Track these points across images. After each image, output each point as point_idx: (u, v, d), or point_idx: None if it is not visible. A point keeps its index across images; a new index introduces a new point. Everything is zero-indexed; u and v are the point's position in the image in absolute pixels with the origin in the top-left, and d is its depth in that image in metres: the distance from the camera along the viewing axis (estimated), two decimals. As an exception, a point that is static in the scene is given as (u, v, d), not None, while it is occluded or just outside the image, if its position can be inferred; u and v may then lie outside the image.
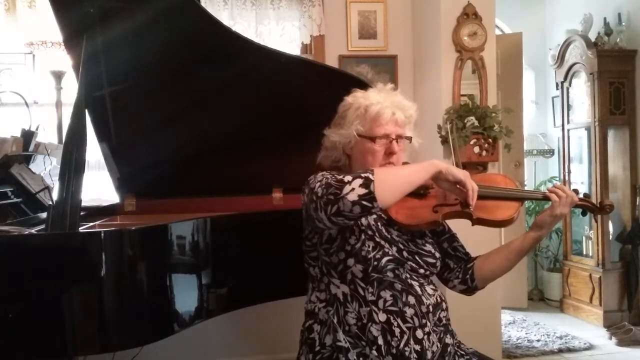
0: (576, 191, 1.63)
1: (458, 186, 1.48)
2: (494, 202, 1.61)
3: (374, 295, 1.49)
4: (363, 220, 1.52)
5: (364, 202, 1.35)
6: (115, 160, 2.16)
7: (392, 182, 1.40)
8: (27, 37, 2.96)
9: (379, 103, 1.57)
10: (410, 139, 1.62)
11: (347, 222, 1.42)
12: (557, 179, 4.75)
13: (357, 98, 1.61)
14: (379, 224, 1.56)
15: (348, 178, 1.38)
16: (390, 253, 1.51)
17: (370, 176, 1.36)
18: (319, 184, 1.43)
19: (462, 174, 1.48)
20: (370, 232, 1.52)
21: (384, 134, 1.56)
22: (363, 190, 1.34)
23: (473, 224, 1.60)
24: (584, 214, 1.70)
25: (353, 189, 1.35)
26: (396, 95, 1.61)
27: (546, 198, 1.61)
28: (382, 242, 1.52)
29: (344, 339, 1.48)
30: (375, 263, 1.48)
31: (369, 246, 1.50)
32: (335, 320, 1.50)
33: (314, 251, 1.56)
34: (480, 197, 1.61)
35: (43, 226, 1.75)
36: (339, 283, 1.52)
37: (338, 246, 1.51)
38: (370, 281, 1.49)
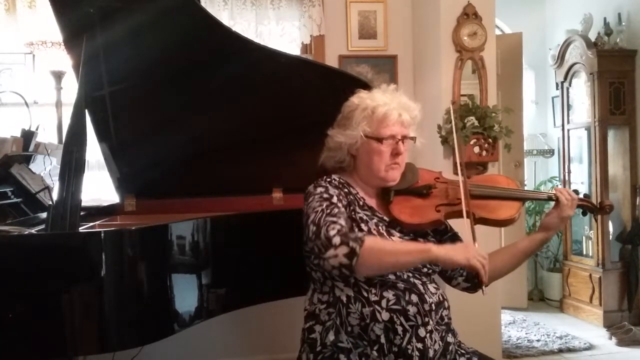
0: (576, 192, 1.65)
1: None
2: (495, 201, 1.63)
3: (377, 296, 1.49)
4: (363, 226, 1.54)
5: (343, 270, 1.39)
6: (115, 160, 2.16)
7: (375, 261, 1.41)
8: (27, 37, 2.96)
9: (386, 104, 1.58)
10: (414, 139, 1.64)
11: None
12: (557, 179, 4.75)
13: (363, 99, 1.61)
14: (379, 227, 1.56)
15: (336, 241, 1.38)
16: None
17: (357, 249, 1.37)
18: (313, 216, 1.47)
19: (463, 257, 1.42)
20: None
21: (390, 134, 1.58)
22: (345, 261, 1.37)
23: (475, 224, 1.61)
24: (584, 214, 1.71)
25: (336, 256, 1.38)
26: (401, 96, 1.63)
27: (551, 199, 1.64)
28: None
29: (346, 340, 1.49)
30: None
31: None
32: (338, 322, 1.50)
33: (314, 256, 1.55)
34: (483, 196, 1.63)
35: (43, 226, 1.75)
36: (342, 286, 1.52)
37: None
38: (374, 284, 1.50)
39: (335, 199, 1.52)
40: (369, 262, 1.38)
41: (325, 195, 1.52)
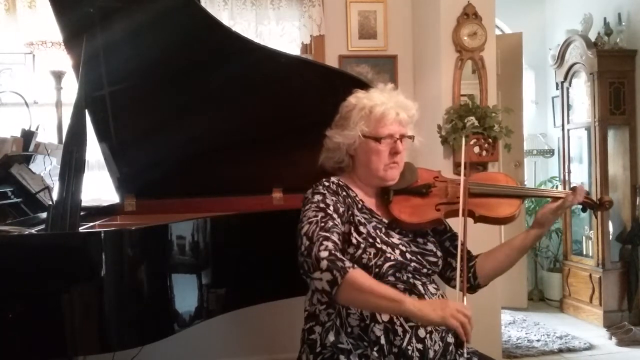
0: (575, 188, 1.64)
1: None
2: (495, 199, 1.63)
3: (376, 297, 1.49)
4: (362, 228, 1.53)
5: (324, 295, 1.38)
6: (115, 160, 2.16)
7: (352, 300, 1.39)
8: (27, 37, 2.96)
9: (384, 104, 1.58)
10: (412, 138, 1.63)
11: None
12: (557, 179, 4.75)
13: (360, 99, 1.61)
14: (378, 230, 1.56)
15: (323, 265, 1.36)
16: (392, 258, 1.51)
17: (339, 279, 1.35)
18: (307, 227, 1.46)
19: (438, 315, 1.30)
20: (370, 240, 1.52)
21: (388, 134, 1.57)
22: (327, 287, 1.36)
23: (475, 222, 1.63)
24: (584, 210, 1.72)
25: (320, 279, 1.37)
26: (399, 95, 1.62)
27: (559, 199, 1.63)
28: (384, 247, 1.52)
29: (346, 341, 1.49)
30: (377, 270, 1.49)
31: (369, 253, 1.50)
32: (337, 323, 1.50)
33: None
34: (482, 194, 1.63)
35: (43, 226, 1.75)
36: None
37: None
38: None
39: (331, 209, 1.51)
40: (346, 295, 1.36)
41: (321, 205, 1.51)
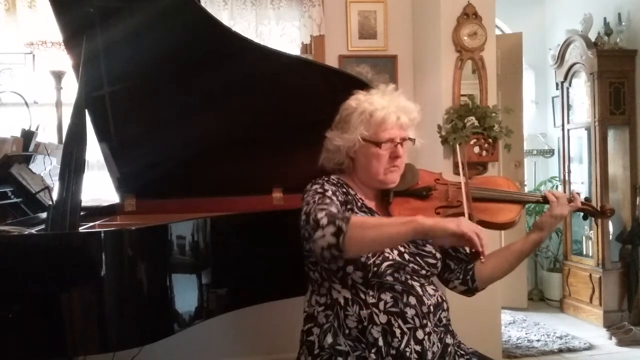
0: (577, 195, 1.65)
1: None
2: (496, 204, 1.63)
3: (374, 298, 1.49)
4: None
5: (332, 251, 1.35)
6: (115, 160, 2.16)
7: (362, 238, 1.36)
8: (27, 37, 2.96)
9: (384, 108, 1.56)
10: (414, 140, 1.62)
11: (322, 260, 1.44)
12: (557, 179, 4.76)
13: (360, 102, 1.59)
14: None
15: (323, 221, 1.36)
16: (390, 258, 1.50)
17: (344, 227, 1.34)
18: (306, 207, 1.46)
19: (455, 224, 1.34)
20: None
21: (389, 138, 1.56)
22: (332, 240, 1.34)
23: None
24: (585, 217, 1.72)
25: (324, 236, 1.35)
26: (400, 98, 1.61)
27: (545, 200, 1.64)
28: None
29: (344, 343, 1.48)
30: (375, 269, 1.48)
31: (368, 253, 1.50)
32: (335, 324, 1.50)
33: (313, 256, 1.55)
34: (483, 199, 1.62)
35: (43, 226, 1.75)
36: (340, 288, 1.52)
37: None
38: (371, 285, 1.49)
39: (329, 193, 1.51)
40: (355, 238, 1.34)
41: (319, 190, 1.51)
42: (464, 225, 1.34)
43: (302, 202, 1.53)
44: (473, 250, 1.37)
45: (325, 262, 1.47)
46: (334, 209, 1.43)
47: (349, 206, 1.55)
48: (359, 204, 1.59)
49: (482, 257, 1.38)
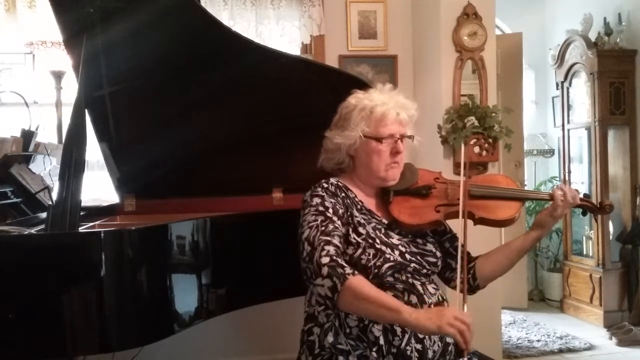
0: (576, 191, 1.64)
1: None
2: (495, 201, 1.63)
3: (375, 297, 1.49)
4: (361, 229, 1.53)
5: (327, 301, 1.37)
6: (115, 160, 2.16)
7: (352, 303, 1.37)
8: (27, 37, 2.96)
9: (384, 104, 1.58)
10: (412, 137, 1.63)
11: None
12: (557, 179, 4.75)
13: (360, 99, 1.60)
14: (377, 231, 1.56)
15: (324, 272, 1.37)
16: (391, 259, 1.50)
17: (339, 286, 1.35)
18: (308, 232, 1.46)
19: (435, 324, 1.28)
20: (370, 241, 1.52)
21: (389, 134, 1.57)
22: (328, 293, 1.36)
23: (475, 224, 1.62)
24: (584, 213, 1.71)
25: (322, 286, 1.37)
26: (398, 95, 1.62)
27: (551, 198, 1.62)
28: (384, 248, 1.52)
29: (345, 342, 1.48)
30: (376, 270, 1.48)
31: (369, 254, 1.50)
32: (336, 324, 1.50)
33: None
34: (483, 197, 1.62)
35: (43, 226, 1.75)
36: None
37: None
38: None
39: (331, 212, 1.50)
40: (345, 302, 1.37)
41: (320, 208, 1.51)
42: (446, 322, 1.28)
43: (301, 213, 1.53)
44: (456, 346, 1.35)
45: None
46: (337, 242, 1.44)
47: (349, 211, 1.55)
48: (359, 206, 1.59)
49: (462, 358, 1.37)
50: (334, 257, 1.40)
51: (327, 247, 1.41)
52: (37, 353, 1.52)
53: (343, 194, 1.58)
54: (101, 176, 2.80)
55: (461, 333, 1.28)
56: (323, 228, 1.46)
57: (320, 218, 1.48)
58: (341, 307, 1.39)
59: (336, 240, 1.45)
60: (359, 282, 1.37)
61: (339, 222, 1.50)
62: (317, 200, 1.53)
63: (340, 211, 1.53)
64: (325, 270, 1.37)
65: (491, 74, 3.20)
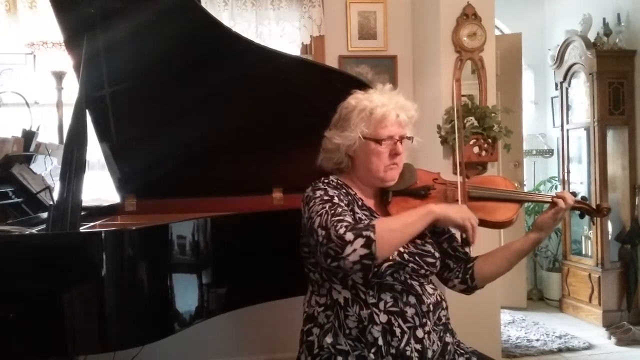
0: (574, 194, 1.65)
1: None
2: (493, 203, 1.63)
3: (374, 298, 1.50)
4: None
5: (365, 261, 1.36)
6: (115, 160, 2.16)
7: (391, 239, 1.41)
8: (27, 38, 2.96)
9: (384, 105, 1.58)
10: (412, 139, 1.63)
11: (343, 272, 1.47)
12: (557, 179, 4.76)
13: (360, 100, 1.60)
14: None
15: (349, 236, 1.36)
16: (390, 258, 1.50)
17: (372, 235, 1.36)
18: (319, 220, 1.44)
19: (459, 216, 1.50)
20: None
21: (389, 135, 1.57)
22: (365, 251, 1.36)
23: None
24: (581, 216, 1.71)
25: (355, 250, 1.35)
26: (398, 96, 1.62)
27: (553, 203, 1.63)
28: None
29: (344, 342, 1.49)
30: (376, 270, 1.48)
31: None
32: (336, 324, 1.50)
33: (312, 257, 1.56)
34: (481, 198, 1.63)
35: (44, 226, 1.75)
36: (340, 288, 1.52)
37: None
38: (371, 286, 1.50)
39: (336, 199, 1.51)
40: (386, 241, 1.38)
41: (325, 197, 1.51)
42: (467, 217, 1.51)
43: (306, 208, 1.52)
44: (464, 236, 1.55)
45: (353, 274, 1.48)
46: (349, 219, 1.44)
47: (350, 207, 1.56)
48: (359, 204, 1.60)
49: (470, 245, 1.55)
50: (350, 225, 1.40)
51: (340, 223, 1.40)
52: (38, 352, 1.52)
53: (344, 190, 1.59)
54: (102, 176, 2.80)
55: (473, 229, 1.51)
56: (332, 211, 1.45)
57: (327, 205, 1.48)
58: (382, 252, 1.38)
59: (348, 218, 1.44)
60: (383, 221, 1.48)
61: (346, 207, 1.51)
62: (320, 192, 1.53)
63: (345, 201, 1.54)
64: (349, 235, 1.36)
65: (490, 74, 3.21)
